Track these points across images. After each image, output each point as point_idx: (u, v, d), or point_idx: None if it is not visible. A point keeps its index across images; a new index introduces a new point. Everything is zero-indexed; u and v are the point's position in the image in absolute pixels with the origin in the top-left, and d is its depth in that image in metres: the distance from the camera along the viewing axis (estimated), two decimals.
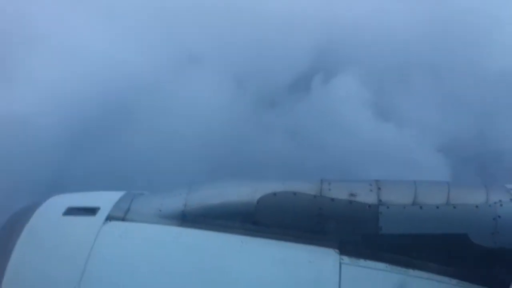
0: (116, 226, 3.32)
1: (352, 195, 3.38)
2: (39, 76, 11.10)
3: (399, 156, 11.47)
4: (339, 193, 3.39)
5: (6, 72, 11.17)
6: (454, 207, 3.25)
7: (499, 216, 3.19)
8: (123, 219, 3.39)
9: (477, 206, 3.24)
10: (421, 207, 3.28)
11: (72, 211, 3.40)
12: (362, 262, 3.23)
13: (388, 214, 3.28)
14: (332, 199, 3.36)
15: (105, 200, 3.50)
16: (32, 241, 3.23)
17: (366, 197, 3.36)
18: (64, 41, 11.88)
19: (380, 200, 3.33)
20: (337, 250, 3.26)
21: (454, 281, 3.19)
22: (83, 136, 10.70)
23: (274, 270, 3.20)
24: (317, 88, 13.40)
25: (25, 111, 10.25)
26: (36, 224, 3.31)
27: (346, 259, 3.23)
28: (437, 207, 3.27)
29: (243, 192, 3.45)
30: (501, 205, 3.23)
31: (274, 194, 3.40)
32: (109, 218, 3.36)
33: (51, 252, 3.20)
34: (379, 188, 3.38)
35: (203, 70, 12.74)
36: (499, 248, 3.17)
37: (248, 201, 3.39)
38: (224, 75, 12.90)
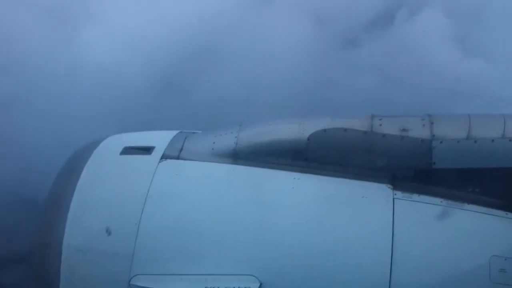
0: (171, 164, 3.42)
1: (404, 130, 3.33)
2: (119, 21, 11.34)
3: (487, 93, 10.81)
4: (390, 128, 3.35)
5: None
6: (510, 140, 3.14)
7: None
8: (177, 157, 3.48)
9: None
10: (475, 141, 3.20)
11: (128, 150, 3.51)
12: (415, 197, 3.21)
13: (441, 148, 3.23)
14: (384, 135, 3.33)
15: (160, 139, 3.60)
16: (92, 181, 3.36)
17: (419, 132, 3.30)
18: None
19: (433, 135, 3.27)
20: (390, 185, 3.24)
21: (510, 214, 3.12)
22: (169, 80, 10.89)
23: (327, 206, 3.23)
24: (400, 24, 12.73)
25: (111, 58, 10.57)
26: (95, 163, 3.44)
27: (399, 194, 3.21)
28: (492, 141, 3.17)
29: (293, 129, 3.46)
30: None
31: (325, 130, 3.40)
32: (164, 156, 3.45)
33: (111, 190, 3.34)
34: (431, 123, 3.31)
35: (279, 10, 12.46)
36: None
37: (299, 138, 3.40)
38: (301, 14, 12.54)
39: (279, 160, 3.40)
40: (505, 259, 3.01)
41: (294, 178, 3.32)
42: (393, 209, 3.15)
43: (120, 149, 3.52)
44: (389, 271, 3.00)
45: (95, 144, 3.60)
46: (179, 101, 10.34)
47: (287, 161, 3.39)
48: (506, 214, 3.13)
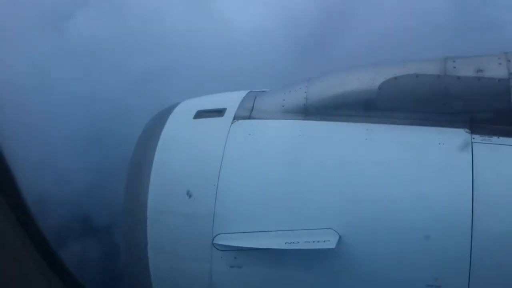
0: (244, 124, 3.47)
1: (479, 70, 3.22)
2: None
3: None
4: (465, 70, 3.25)
5: None
6: None
7: None
8: (249, 117, 3.52)
9: None
10: None
11: (201, 113, 3.58)
12: (495, 139, 3.14)
13: None
14: (458, 77, 3.23)
15: (231, 100, 3.64)
16: (169, 146, 3.47)
17: (495, 71, 3.20)
18: None
19: (510, 73, 3.15)
20: (467, 130, 3.18)
21: None
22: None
23: (404, 155, 3.20)
24: None
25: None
26: (171, 129, 3.54)
27: (477, 138, 3.15)
28: None
29: (363, 79, 3.41)
30: None
31: (395, 78, 3.32)
32: (236, 117, 3.50)
33: (188, 154, 3.44)
34: (508, 61, 3.18)
35: None
36: None
37: (369, 87, 3.35)
38: None
39: (350, 112, 3.38)
40: None
41: (367, 130, 3.29)
42: (472, 153, 3.09)
43: (194, 113, 3.59)
44: (471, 218, 2.97)
45: (169, 109, 3.70)
46: (320, 60, 10.23)
47: (359, 113, 3.36)
48: None
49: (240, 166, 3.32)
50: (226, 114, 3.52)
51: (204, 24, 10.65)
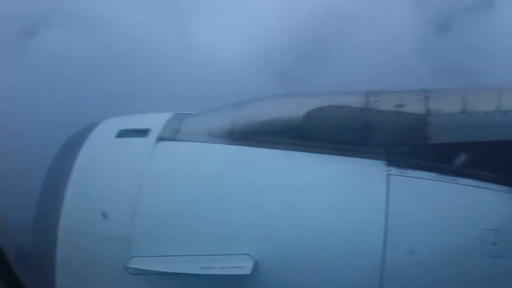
0: (167, 146, 3.43)
1: (399, 105, 3.32)
2: None
3: None
4: (386, 104, 3.35)
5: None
6: (504, 113, 3.16)
7: None
8: (173, 139, 3.49)
9: None
10: (470, 115, 3.18)
11: (124, 133, 3.51)
12: (410, 172, 3.22)
13: (437, 123, 3.24)
14: (379, 111, 3.33)
15: (156, 121, 3.59)
16: (88, 165, 3.38)
17: (414, 107, 3.30)
18: None
19: (428, 110, 3.26)
20: (385, 162, 3.26)
21: (504, 188, 3.16)
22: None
23: (323, 184, 3.26)
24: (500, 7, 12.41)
25: None
26: (91, 147, 3.45)
27: (394, 170, 3.23)
28: (487, 114, 3.16)
29: (289, 107, 3.47)
30: None
31: (321, 108, 3.40)
32: (160, 138, 3.46)
33: (107, 174, 3.36)
34: (427, 98, 3.30)
35: None
36: None
37: (295, 116, 3.41)
38: None
39: (275, 139, 3.41)
40: (497, 232, 3.05)
41: (290, 157, 3.33)
42: (388, 185, 3.16)
43: (116, 132, 3.53)
44: (383, 247, 3.03)
45: (91, 127, 3.61)
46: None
47: (283, 140, 3.40)
48: (499, 187, 3.15)
49: (160, 188, 3.27)
50: (149, 134, 3.48)
51: (178, 49, 10.64)
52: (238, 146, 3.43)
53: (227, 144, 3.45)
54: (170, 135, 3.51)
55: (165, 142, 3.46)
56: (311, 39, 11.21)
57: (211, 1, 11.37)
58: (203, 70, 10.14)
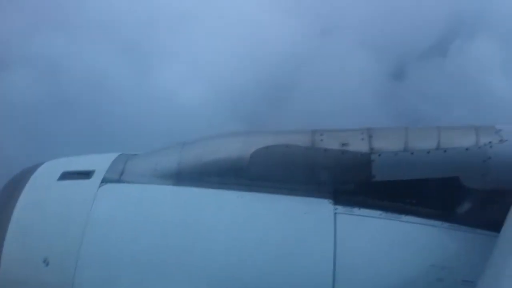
0: (112, 188, 3.35)
1: (344, 144, 3.36)
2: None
3: None
4: (331, 143, 3.38)
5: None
6: (445, 151, 3.22)
7: (489, 158, 3.18)
8: (118, 181, 3.42)
9: (467, 149, 3.21)
10: (412, 153, 3.24)
11: (67, 175, 3.42)
12: (356, 210, 3.26)
13: (380, 161, 3.27)
14: (325, 150, 3.36)
15: (100, 162, 3.51)
16: (28, 210, 3.26)
17: (358, 145, 3.34)
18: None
19: (371, 148, 3.31)
20: (331, 200, 3.28)
21: (446, 224, 3.22)
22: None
23: (270, 224, 3.24)
24: (453, 54, 12.92)
25: None
26: (31, 191, 3.34)
27: (340, 208, 3.25)
28: (428, 152, 3.23)
29: (236, 147, 3.46)
30: (491, 146, 3.20)
31: (267, 147, 3.40)
32: (105, 180, 3.38)
33: (50, 218, 3.24)
34: (370, 136, 3.35)
35: (335, 42, 12.65)
36: (489, 190, 3.19)
37: (242, 156, 3.40)
38: (356, 46, 12.74)
39: (222, 179, 3.39)
40: (442, 268, 3.08)
41: (237, 197, 3.32)
42: (335, 224, 3.18)
43: (58, 175, 3.43)
44: (332, 287, 3.01)
45: (31, 170, 3.51)
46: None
47: (230, 180, 3.38)
48: (442, 224, 3.21)
49: (104, 233, 3.18)
50: (93, 176, 3.40)
51: (140, 93, 10.63)
52: (185, 187, 3.38)
53: (173, 185, 3.40)
54: (115, 177, 3.44)
55: (110, 184, 3.38)
56: (274, 84, 11.46)
57: (176, 43, 11.52)
58: (165, 114, 10.16)
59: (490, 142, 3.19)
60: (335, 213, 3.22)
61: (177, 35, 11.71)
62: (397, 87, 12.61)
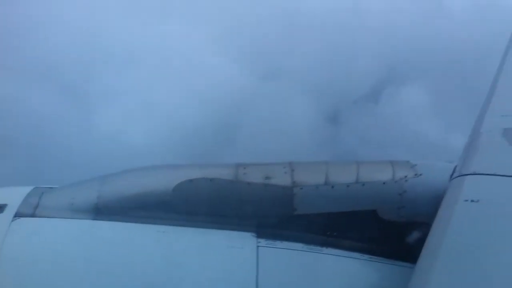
0: (26, 223, 3.20)
1: (267, 178, 3.38)
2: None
3: None
4: (254, 176, 3.40)
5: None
6: (363, 185, 3.31)
7: (405, 191, 3.30)
8: (32, 215, 3.26)
9: (384, 183, 3.32)
10: (332, 187, 3.31)
11: None
12: (278, 243, 3.26)
13: (302, 194, 3.32)
14: (248, 183, 3.36)
15: (13, 196, 3.35)
16: None
17: (280, 179, 3.38)
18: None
19: (294, 182, 3.35)
20: (254, 234, 3.27)
21: (366, 256, 3.27)
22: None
23: (193, 258, 3.19)
24: (385, 100, 13.39)
25: None
26: None
27: (263, 241, 3.25)
28: (348, 186, 3.31)
29: (158, 180, 3.41)
30: (406, 180, 3.32)
31: (191, 180, 3.37)
32: (18, 215, 3.22)
33: None
34: (292, 170, 3.39)
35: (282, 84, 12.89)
36: (405, 222, 3.29)
37: (164, 189, 3.34)
38: (298, 91, 13.01)
39: (144, 213, 3.31)
40: None
41: (159, 231, 3.24)
42: (257, 257, 3.16)
43: None
44: None
45: None
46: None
47: (152, 214, 3.31)
48: (362, 255, 3.26)
49: (18, 269, 3.02)
50: (6, 210, 3.23)
51: (84, 134, 10.46)
52: (104, 222, 3.27)
53: (92, 219, 3.28)
54: (29, 211, 3.28)
55: (23, 219, 3.22)
56: (218, 124, 11.56)
57: (122, 83, 11.49)
58: (107, 153, 10.02)
59: (405, 176, 3.32)
60: (258, 246, 3.21)
61: (121, 77, 11.74)
62: (333, 130, 13.06)
